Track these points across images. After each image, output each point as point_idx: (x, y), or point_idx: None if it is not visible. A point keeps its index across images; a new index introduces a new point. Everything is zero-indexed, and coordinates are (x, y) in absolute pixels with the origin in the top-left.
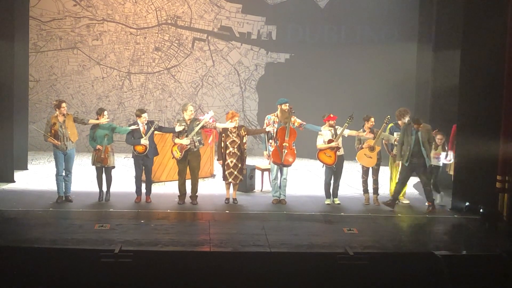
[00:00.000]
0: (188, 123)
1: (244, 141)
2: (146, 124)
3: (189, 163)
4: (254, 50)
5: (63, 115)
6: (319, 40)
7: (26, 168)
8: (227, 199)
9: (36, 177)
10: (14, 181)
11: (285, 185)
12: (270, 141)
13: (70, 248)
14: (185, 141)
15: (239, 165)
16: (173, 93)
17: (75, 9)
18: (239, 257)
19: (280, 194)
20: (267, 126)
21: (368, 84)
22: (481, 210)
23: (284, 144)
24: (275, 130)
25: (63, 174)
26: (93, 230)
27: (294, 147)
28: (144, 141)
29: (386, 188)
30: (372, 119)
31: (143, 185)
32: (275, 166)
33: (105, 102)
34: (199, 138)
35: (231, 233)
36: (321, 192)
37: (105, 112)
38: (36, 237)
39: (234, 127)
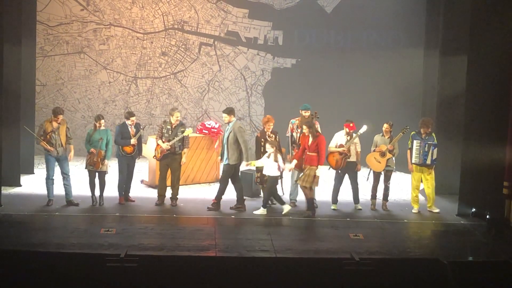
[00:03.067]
0: (173, 127)
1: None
2: (134, 126)
3: (169, 166)
4: (261, 55)
5: (58, 122)
6: (325, 45)
7: (32, 172)
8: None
9: (42, 181)
10: (20, 185)
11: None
12: (293, 145)
13: (75, 252)
14: (165, 145)
15: None
16: (179, 97)
17: (82, 14)
18: (245, 262)
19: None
20: (291, 131)
21: (374, 89)
22: (487, 216)
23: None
24: (298, 135)
25: (53, 178)
26: (99, 234)
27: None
28: (134, 141)
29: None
30: (386, 125)
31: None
32: (298, 171)
33: (111, 107)
34: (180, 143)
35: (236, 238)
36: (328, 198)
37: (102, 121)
38: (41, 241)
39: (271, 132)
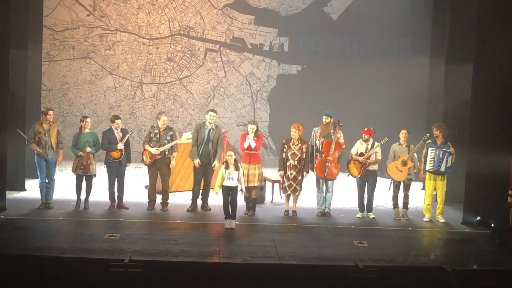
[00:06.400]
0: (161, 131)
1: (304, 156)
2: (120, 130)
3: (159, 170)
4: (266, 62)
5: (49, 123)
6: (331, 52)
7: (37, 177)
8: (286, 211)
9: None
10: (25, 190)
11: (330, 198)
12: (316, 153)
13: (80, 257)
14: (154, 150)
15: (299, 177)
16: (184, 103)
17: (89, 19)
18: (249, 269)
19: (325, 207)
20: (315, 139)
21: (380, 97)
22: (492, 225)
23: (328, 158)
24: (321, 143)
25: (46, 181)
26: (103, 239)
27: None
28: (121, 145)
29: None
30: (404, 131)
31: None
32: (321, 179)
33: (116, 112)
34: (169, 148)
35: (241, 245)
36: (332, 205)
37: (88, 119)
38: (46, 246)
39: (297, 140)
